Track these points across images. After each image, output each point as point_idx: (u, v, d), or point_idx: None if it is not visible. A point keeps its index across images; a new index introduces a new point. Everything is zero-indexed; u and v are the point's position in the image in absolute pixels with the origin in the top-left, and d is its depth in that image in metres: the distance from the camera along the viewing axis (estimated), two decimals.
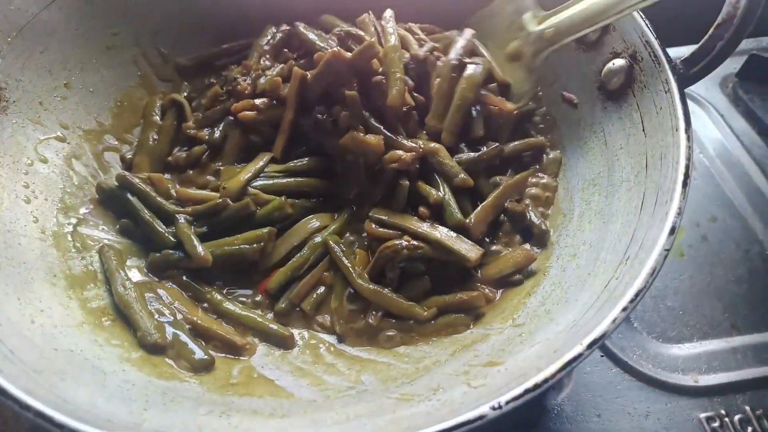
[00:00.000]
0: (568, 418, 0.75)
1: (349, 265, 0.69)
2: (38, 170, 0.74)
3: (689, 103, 1.14)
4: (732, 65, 1.19)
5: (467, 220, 0.71)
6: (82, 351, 0.58)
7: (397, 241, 0.67)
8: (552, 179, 0.78)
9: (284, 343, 0.66)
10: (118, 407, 0.51)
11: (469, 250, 0.67)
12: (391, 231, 0.70)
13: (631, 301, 0.49)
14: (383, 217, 0.71)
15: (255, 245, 0.70)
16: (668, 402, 0.76)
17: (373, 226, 0.71)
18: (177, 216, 0.74)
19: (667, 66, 0.65)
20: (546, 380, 0.45)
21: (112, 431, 0.43)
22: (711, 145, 1.08)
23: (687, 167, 0.56)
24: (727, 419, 0.74)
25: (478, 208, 0.73)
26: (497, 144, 0.76)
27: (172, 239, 0.72)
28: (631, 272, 0.52)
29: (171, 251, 0.72)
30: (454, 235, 0.68)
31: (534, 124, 0.83)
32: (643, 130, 0.67)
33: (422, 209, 0.71)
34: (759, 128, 1.10)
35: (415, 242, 0.67)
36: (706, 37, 0.63)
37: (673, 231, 0.52)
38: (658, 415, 0.74)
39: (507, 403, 0.44)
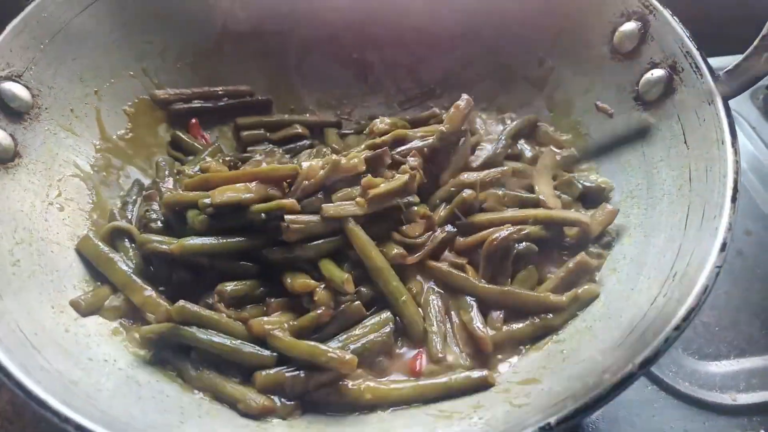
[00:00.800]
0: None
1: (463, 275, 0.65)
2: (70, 178, 0.74)
3: None
4: None
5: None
6: (116, 361, 0.57)
7: (498, 232, 0.64)
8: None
9: None
10: (155, 418, 0.50)
11: (580, 215, 0.66)
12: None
13: (684, 319, 0.47)
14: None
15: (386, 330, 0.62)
16: (706, 421, 0.74)
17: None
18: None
19: (709, 77, 0.63)
20: (597, 401, 0.43)
21: None
22: (743, 158, 1.05)
23: (735, 181, 0.55)
24: None
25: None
26: None
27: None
28: (680, 289, 0.51)
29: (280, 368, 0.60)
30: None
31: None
32: (685, 143, 0.65)
33: None
34: None
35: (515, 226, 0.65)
36: (752, 47, 0.62)
37: (724, 247, 0.51)
38: None
39: (558, 423, 0.43)
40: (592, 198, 0.74)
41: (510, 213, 0.69)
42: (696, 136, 0.63)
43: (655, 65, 0.71)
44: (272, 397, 0.57)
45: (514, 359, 0.61)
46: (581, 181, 0.75)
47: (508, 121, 0.86)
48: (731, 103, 1.12)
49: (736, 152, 0.57)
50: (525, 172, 0.76)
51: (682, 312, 0.47)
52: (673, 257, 0.57)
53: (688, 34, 0.68)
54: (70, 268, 0.66)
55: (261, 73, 0.92)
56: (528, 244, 0.66)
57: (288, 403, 0.57)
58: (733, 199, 0.54)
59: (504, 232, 0.65)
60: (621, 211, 0.71)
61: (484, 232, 0.66)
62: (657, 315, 0.51)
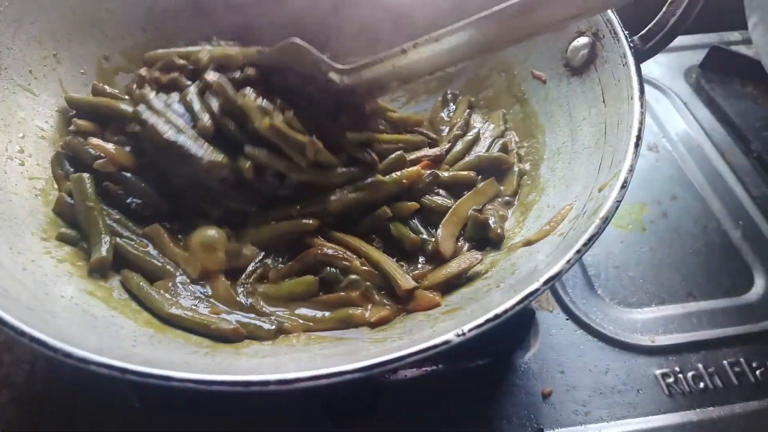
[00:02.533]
0: (533, 374, 0.79)
1: None
2: (28, 134, 0.77)
3: (655, 91, 1.22)
4: (695, 57, 1.26)
5: (433, 239, 0.71)
6: (72, 297, 0.60)
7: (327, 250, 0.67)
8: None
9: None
10: (109, 342, 0.54)
11: (403, 276, 0.66)
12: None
13: (585, 244, 0.53)
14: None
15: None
16: (627, 360, 0.81)
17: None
18: None
19: (624, 41, 0.70)
20: (506, 311, 0.49)
21: (106, 357, 0.46)
22: (674, 131, 1.14)
23: (639, 130, 0.61)
24: (681, 375, 0.79)
25: (441, 225, 0.72)
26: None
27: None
28: (586, 223, 0.57)
29: None
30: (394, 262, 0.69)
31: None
32: (603, 101, 0.72)
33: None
34: (719, 116, 1.16)
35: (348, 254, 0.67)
36: (660, 13, 0.69)
37: (624, 184, 0.57)
38: (617, 372, 0.79)
39: (470, 330, 0.48)
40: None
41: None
42: (612, 95, 0.70)
43: (581, 33, 0.78)
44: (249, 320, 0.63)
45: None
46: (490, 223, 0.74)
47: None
48: (666, 80, 1.23)
49: (642, 105, 0.64)
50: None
51: (583, 238, 0.54)
52: (584, 200, 0.63)
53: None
54: (28, 216, 0.69)
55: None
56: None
57: (268, 327, 0.63)
58: (636, 145, 0.60)
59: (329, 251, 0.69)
60: (548, 166, 0.78)
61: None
62: (565, 245, 0.57)
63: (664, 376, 0.79)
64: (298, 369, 0.47)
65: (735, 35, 1.32)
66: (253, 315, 0.65)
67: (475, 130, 0.85)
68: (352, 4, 0.89)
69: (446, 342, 0.48)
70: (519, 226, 0.74)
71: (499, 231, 0.72)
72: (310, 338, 0.65)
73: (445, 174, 0.77)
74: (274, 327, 0.64)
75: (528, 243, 0.67)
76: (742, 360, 0.81)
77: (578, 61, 0.78)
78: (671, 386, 0.78)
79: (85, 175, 0.73)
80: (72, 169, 0.76)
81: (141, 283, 0.66)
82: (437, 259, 0.71)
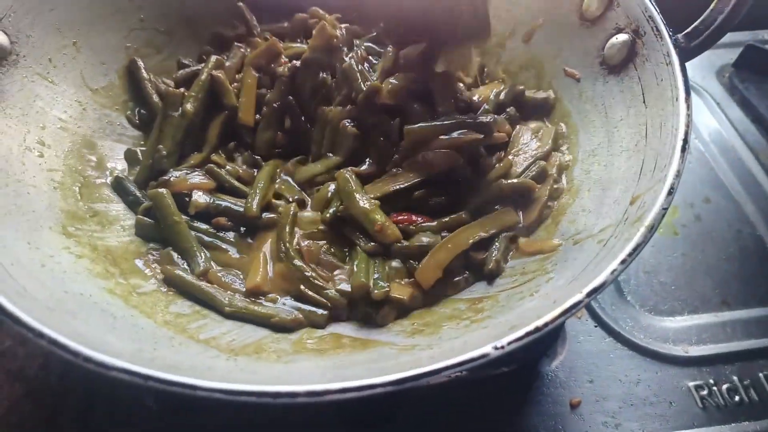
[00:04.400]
0: (561, 383, 0.77)
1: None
2: (47, 125, 0.75)
3: None
4: (728, 56, 1.22)
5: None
6: (91, 296, 0.59)
7: None
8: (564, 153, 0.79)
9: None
10: (129, 345, 0.52)
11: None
12: None
13: (630, 254, 0.50)
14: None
15: None
16: (659, 371, 0.78)
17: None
18: None
19: (668, 39, 0.66)
20: (546, 324, 0.47)
21: (126, 362, 0.44)
22: (706, 131, 1.11)
23: (686, 133, 0.58)
24: (715, 388, 0.76)
25: (430, 253, 0.67)
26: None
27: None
28: (630, 231, 0.54)
29: None
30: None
31: (539, 92, 0.84)
32: (644, 102, 0.68)
33: None
34: (753, 116, 1.12)
35: None
36: (707, 11, 0.65)
37: (671, 191, 0.54)
38: (649, 383, 0.77)
39: (509, 343, 0.46)
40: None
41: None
42: (653, 95, 0.67)
43: (620, 30, 0.74)
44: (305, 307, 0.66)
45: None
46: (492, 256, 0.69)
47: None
48: (698, 79, 1.19)
49: (688, 107, 0.60)
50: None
51: (629, 248, 0.51)
52: (626, 205, 0.60)
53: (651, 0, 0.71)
54: (46, 210, 0.67)
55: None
56: None
57: (322, 312, 0.65)
58: (683, 149, 0.57)
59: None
60: (582, 168, 0.74)
61: None
62: (607, 254, 0.54)
63: (698, 388, 0.76)
64: (323, 378, 0.45)
65: None
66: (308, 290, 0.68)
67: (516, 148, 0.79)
68: None
69: (484, 355, 0.45)
70: (549, 231, 0.71)
71: (491, 267, 0.67)
72: (335, 336, 0.63)
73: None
74: (327, 313, 0.66)
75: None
76: None
77: (616, 59, 0.74)
78: (705, 399, 0.75)
79: (163, 191, 0.72)
80: (137, 192, 0.76)
81: (194, 280, 0.67)
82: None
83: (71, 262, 0.62)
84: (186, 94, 0.82)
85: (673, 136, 0.59)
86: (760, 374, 0.78)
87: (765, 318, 0.84)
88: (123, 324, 0.56)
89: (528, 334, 0.46)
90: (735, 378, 0.77)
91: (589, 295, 0.48)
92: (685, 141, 0.57)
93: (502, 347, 0.45)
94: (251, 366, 0.54)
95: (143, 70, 0.86)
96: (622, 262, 0.50)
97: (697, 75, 1.20)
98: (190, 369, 0.50)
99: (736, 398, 0.75)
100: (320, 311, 0.66)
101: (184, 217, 0.73)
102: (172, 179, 0.76)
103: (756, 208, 0.98)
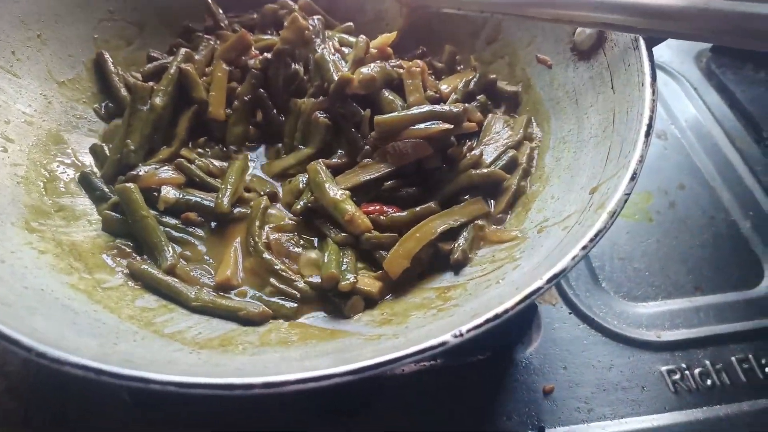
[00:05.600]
0: (535, 370, 0.77)
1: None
2: (11, 119, 0.74)
3: (664, 75, 1.18)
4: None
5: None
6: (52, 291, 0.58)
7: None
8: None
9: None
10: (88, 340, 0.51)
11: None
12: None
13: (591, 240, 0.50)
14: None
15: None
16: (631, 356, 0.78)
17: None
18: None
19: None
20: (506, 311, 0.46)
21: (82, 357, 0.44)
22: (683, 117, 1.11)
23: (650, 118, 0.58)
24: (687, 372, 0.77)
25: (399, 242, 0.67)
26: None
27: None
28: (593, 217, 0.54)
29: None
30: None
31: (509, 84, 0.84)
32: (612, 88, 0.68)
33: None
34: (730, 101, 1.12)
35: None
36: None
37: (634, 176, 0.54)
38: (621, 368, 0.77)
39: (468, 331, 0.45)
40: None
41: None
42: (621, 81, 0.66)
43: None
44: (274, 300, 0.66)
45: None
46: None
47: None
48: (675, 64, 1.18)
49: (654, 92, 0.60)
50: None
51: (590, 234, 0.50)
52: (593, 190, 0.60)
53: None
54: (9, 205, 0.66)
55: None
56: None
57: (291, 305, 0.65)
58: (647, 134, 0.57)
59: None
60: (553, 155, 0.74)
61: None
62: (569, 241, 0.54)
63: (670, 372, 0.77)
64: (287, 369, 0.45)
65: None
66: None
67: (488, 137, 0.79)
68: None
69: (443, 343, 0.45)
70: (520, 218, 0.70)
71: (457, 256, 0.67)
72: (303, 327, 0.63)
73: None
74: (296, 305, 0.66)
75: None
76: (750, 356, 0.78)
77: (586, 44, 0.74)
78: (677, 383, 0.76)
79: (130, 185, 0.71)
80: (104, 188, 0.75)
81: (161, 275, 0.66)
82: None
83: (33, 258, 0.62)
84: (155, 87, 0.80)
85: (638, 121, 0.59)
86: (732, 358, 0.78)
87: (737, 303, 0.84)
88: (85, 319, 0.56)
89: (487, 321, 0.46)
90: (707, 362, 0.78)
91: (549, 281, 0.48)
92: (649, 126, 0.57)
93: (461, 335, 0.45)
94: (215, 359, 0.54)
95: (111, 64, 0.85)
96: (584, 248, 0.50)
97: (675, 60, 1.20)
98: (150, 363, 0.49)
99: (708, 382, 0.76)
100: (289, 304, 0.66)
101: (152, 212, 0.72)
102: (140, 174, 0.75)
103: (731, 193, 0.98)
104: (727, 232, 0.93)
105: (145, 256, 0.70)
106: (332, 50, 0.83)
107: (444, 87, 0.82)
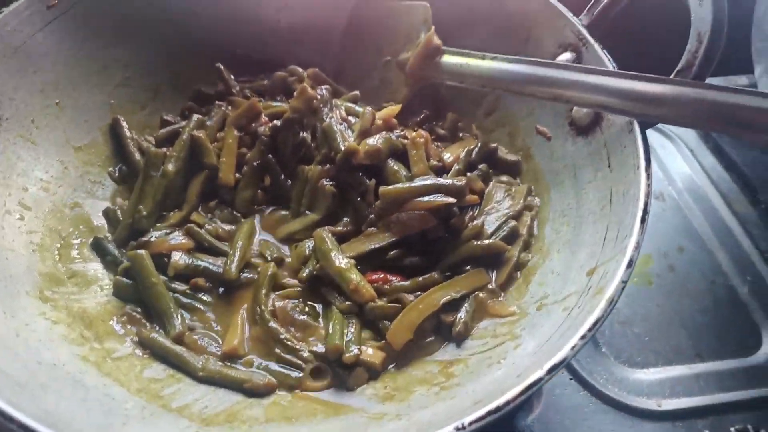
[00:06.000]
0: None
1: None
2: (29, 186, 0.76)
3: (661, 137, 1.21)
4: None
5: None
6: (64, 365, 0.59)
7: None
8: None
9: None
10: (98, 419, 0.52)
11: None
12: None
13: (590, 329, 0.52)
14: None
15: None
16: (632, 426, 0.79)
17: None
18: None
19: None
20: (507, 403, 0.48)
21: None
22: (680, 179, 1.13)
23: (646, 203, 0.60)
24: None
25: (402, 312, 0.69)
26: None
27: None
28: (591, 302, 0.56)
29: None
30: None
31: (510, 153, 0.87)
32: (609, 166, 0.71)
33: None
34: (726, 164, 1.15)
35: None
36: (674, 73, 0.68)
37: (630, 264, 0.56)
38: None
39: (470, 423, 0.47)
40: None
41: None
42: (617, 161, 0.69)
43: None
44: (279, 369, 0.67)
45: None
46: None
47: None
48: (675, 128, 1.21)
49: (648, 177, 0.62)
50: None
51: (588, 322, 0.52)
52: (591, 272, 0.62)
53: (612, 63, 0.74)
54: (24, 274, 0.68)
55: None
56: None
57: (296, 375, 0.66)
58: (642, 220, 0.59)
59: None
60: (552, 228, 0.76)
61: None
62: (571, 325, 0.55)
63: None
64: None
65: (743, 80, 1.31)
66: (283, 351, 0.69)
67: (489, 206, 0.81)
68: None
69: None
70: (521, 291, 0.72)
71: (459, 329, 0.68)
72: (307, 400, 0.64)
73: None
74: (301, 375, 0.67)
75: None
76: (749, 427, 0.79)
77: (583, 121, 0.77)
78: None
79: (142, 252, 0.73)
80: (116, 252, 0.77)
81: (169, 344, 0.68)
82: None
83: (47, 329, 0.63)
84: (168, 153, 0.83)
85: (634, 206, 0.61)
86: (732, 429, 0.78)
87: (736, 370, 0.85)
88: (95, 395, 0.57)
89: (489, 413, 0.47)
90: None
91: (549, 371, 0.49)
92: (645, 212, 0.59)
93: (464, 427, 0.46)
94: None
95: (126, 129, 0.88)
96: (582, 337, 0.51)
97: None
98: None
99: None
100: (294, 374, 0.67)
101: (162, 277, 0.74)
102: (151, 240, 0.77)
103: (729, 257, 0.99)
104: (725, 296, 0.94)
105: (154, 323, 0.71)
106: (339, 119, 0.87)
107: (447, 156, 0.85)
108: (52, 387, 0.55)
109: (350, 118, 0.88)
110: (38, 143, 0.80)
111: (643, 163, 0.64)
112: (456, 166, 0.83)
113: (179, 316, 0.71)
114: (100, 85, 0.89)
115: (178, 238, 0.79)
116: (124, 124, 0.88)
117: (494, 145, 0.88)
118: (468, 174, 0.83)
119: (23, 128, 0.79)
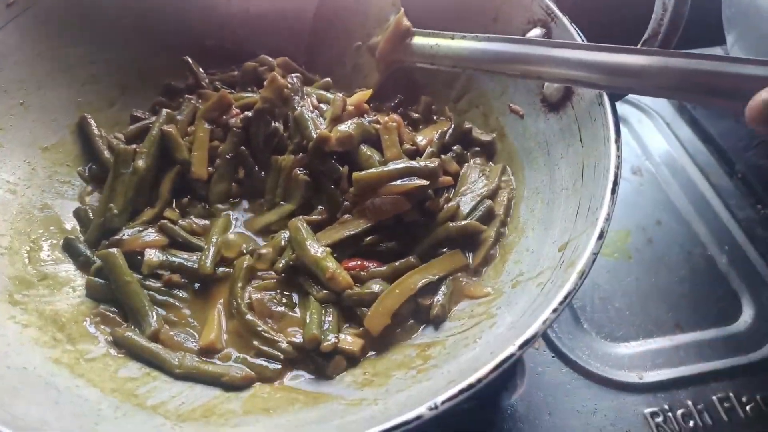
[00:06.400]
0: (520, 417, 0.77)
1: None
2: None
3: (637, 112, 1.21)
4: None
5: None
6: (35, 368, 0.58)
7: None
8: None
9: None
10: (70, 422, 0.52)
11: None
12: None
13: (561, 303, 0.51)
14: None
15: None
16: (615, 399, 0.79)
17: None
18: None
19: None
20: (479, 380, 0.47)
21: None
22: (657, 152, 1.13)
23: (616, 175, 0.60)
24: (670, 414, 0.78)
25: (379, 298, 0.68)
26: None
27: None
28: (563, 276, 0.55)
29: None
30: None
31: (484, 133, 0.86)
32: (581, 141, 0.70)
33: None
34: (703, 136, 1.15)
35: None
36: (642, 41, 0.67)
37: (601, 236, 0.56)
38: (605, 412, 0.78)
39: (443, 402, 0.46)
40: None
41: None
42: (588, 135, 0.69)
43: None
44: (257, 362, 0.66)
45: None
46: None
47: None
48: (648, 100, 1.21)
49: (618, 148, 0.62)
50: None
51: (560, 296, 0.52)
52: (563, 247, 0.62)
53: (583, 38, 0.73)
54: None
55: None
56: None
57: (274, 366, 0.65)
58: (613, 191, 0.59)
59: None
60: (527, 206, 0.76)
61: None
62: (543, 300, 0.55)
63: (653, 415, 0.78)
64: None
65: (717, 51, 1.31)
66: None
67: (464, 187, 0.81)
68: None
69: (418, 417, 0.46)
70: (497, 270, 0.72)
71: (436, 312, 0.68)
72: (287, 391, 0.64)
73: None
74: (279, 366, 0.67)
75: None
76: (731, 395, 0.80)
77: (554, 97, 0.76)
78: (660, 426, 0.77)
79: (114, 251, 0.72)
80: (88, 253, 0.76)
81: (144, 342, 0.67)
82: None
83: (17, 333, 0.62)
84: (138, 150, 0.82)
85: (604, 178, 0.61)
86: (713, 397, 0.79)
87: (717, 339, 0.85)
88: (67, 397, 0.56)
89: (461, 391, 0.47)
90: (689, 402, 0.79)
91: (521, 346, 0.49)
92: (615, 184, 0.59)
93: (436, 407, 0.46)
94: None
95: (94, 127, 0.87)
96: (554, 310, 0.51)
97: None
98: None
99: (691, 423, 0.77)
100: (272, 365, 0.67)
101: (136, 275, 0.73)
102: (124, 238, 0.76)
103: (707, 228, 1.00)
104: (704, 267, 0.95)
105: (129, 322, 0.70)
106: (311, 107, 0.86)
107: (420, 139, 0.84)
108: (22, 391, 0.54)
109: (322, 105, 0.87)
110: (3, 144, 0.79)
111: (612, 135, 0.63)
112: (429, 149, 0.83)
113: (154, 314, 0.70)
114: (66, 83, 0.87)
115: (151, 235, 0.78)
116: (92, 122, 0.87)
117: (468, 125, 0.87)
118: (442, 156, 0.82)
119: None
